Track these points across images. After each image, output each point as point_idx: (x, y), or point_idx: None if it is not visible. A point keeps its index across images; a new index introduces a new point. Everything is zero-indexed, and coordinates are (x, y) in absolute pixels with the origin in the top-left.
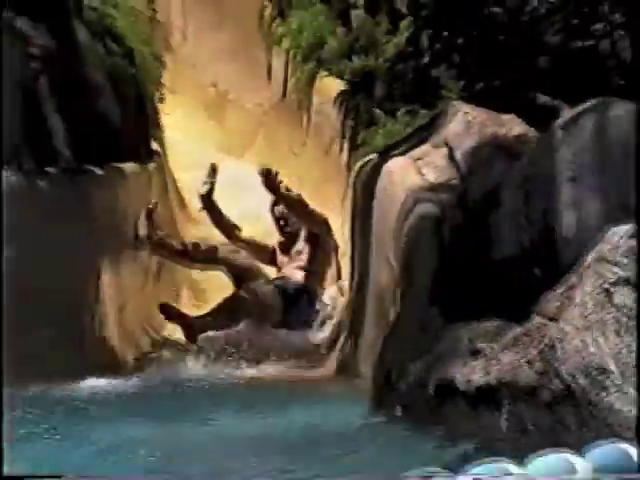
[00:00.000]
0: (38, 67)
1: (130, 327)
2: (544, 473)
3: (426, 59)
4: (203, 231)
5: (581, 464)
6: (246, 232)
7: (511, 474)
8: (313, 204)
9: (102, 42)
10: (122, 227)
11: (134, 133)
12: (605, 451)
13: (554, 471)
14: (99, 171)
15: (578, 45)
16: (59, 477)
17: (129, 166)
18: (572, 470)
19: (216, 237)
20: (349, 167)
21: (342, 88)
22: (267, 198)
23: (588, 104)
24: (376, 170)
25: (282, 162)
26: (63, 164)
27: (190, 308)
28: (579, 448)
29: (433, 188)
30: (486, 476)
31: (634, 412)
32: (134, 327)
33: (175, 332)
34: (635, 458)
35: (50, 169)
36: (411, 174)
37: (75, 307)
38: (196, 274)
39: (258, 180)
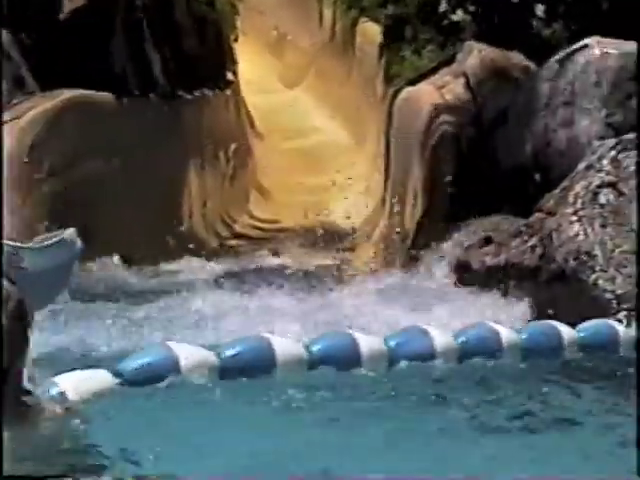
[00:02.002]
0: (140, 14)
1: (211, 219)
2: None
3: (445, 6)
4: (266, 144)
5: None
6: (301, 143)
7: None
8: (355, 124)
9: None
10: (206, 139)
11: (214, 65)
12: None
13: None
14: (188, 96)
15: None
16: (60, 477)
17: (210, 92)
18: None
19: (276, 149)
20: (384, 94)
21: (379, 31)
22: (315, 116)
23: (579, 43)
24: (407, 96)
25: (330, 91)
26: (160, 90)
27: (256, 205)
28: (571, 318)
29: (452, 109)
30: None
31: (613, 288)
32: (215, 219)
33: (245, 227)
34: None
35: (151, 94)
36: (435, 98)
37: (170, 202)
38: (261, 177)
39: (309, 103)
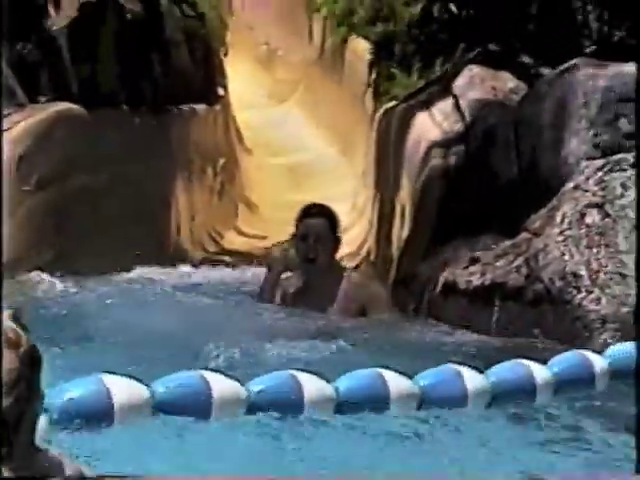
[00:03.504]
0: (130, 28)
1: (198, 233)
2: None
3: (435, 26)
4: (254, 160)
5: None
6: (290, 159)
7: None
8: (344, 141)
9: (179, 7)
10: (193, 154)
11: (204, 80)
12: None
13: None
14: (176, 110)
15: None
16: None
17: (199, 107)
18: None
19: (264, 165)
20: (374, 111)
21: (368, 48)
22: (304, 132)
23: (567, 64)
24: (395, 114)
25: (319, 107)
26: (149, 104)
27: (244, 220)
28: (556, 338)
29: (440, 128)
30: None
31: (598, 308)
32: (202, 234)
33: (234, 243)
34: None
35: (140, 108)
36: (424, 118)
37: (158, 216)
38: (249, 192)
39: (298, 118)
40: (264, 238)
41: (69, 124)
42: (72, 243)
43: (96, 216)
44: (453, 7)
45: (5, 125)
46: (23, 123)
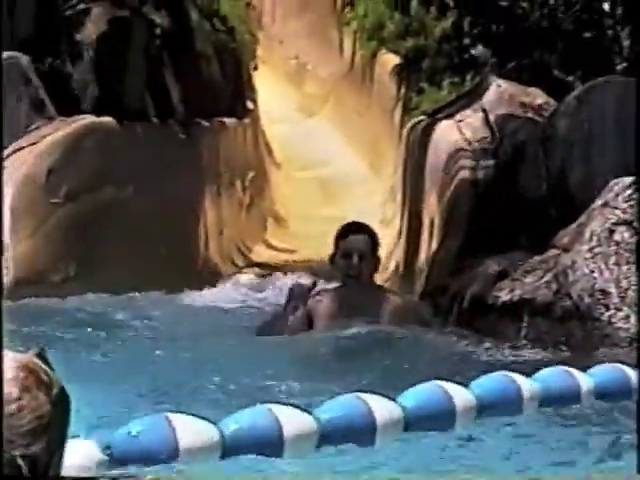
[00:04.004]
0: (160, 42)
1: (227, 248)
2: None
3: (467, 41)
4: (283, 173)
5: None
6: (318, 173)
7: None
8: (373, 155)
9: (210, 22)
10: (222, 168)
11: (233, 94)
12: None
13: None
14: (206, 123)
15: (588, 34)
16: (61, 477)
17: (229, 120)
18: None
19: (293, 179)
20: (402, 125)
21: (398, 62)
22: (333, 146)
23: (597, 80)
24: (425, 128)
25: (348, 121)
26: (178, 117)
27: (273, 234)
28: (585, 355)
29: (470, 144)
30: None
31: (628, 326)
32: (231, 248)
33: (261, 256)
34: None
35: (169, 121)
36: (453, 133)
37: (186, 230)
38: (278, 206)
39: (327, 132)
40: (293, 252)
41: (98, 137)
42: (99, 256)
43: (123, 229)
44: (482, 21)
45: (33, 138)
46: (52, 136)
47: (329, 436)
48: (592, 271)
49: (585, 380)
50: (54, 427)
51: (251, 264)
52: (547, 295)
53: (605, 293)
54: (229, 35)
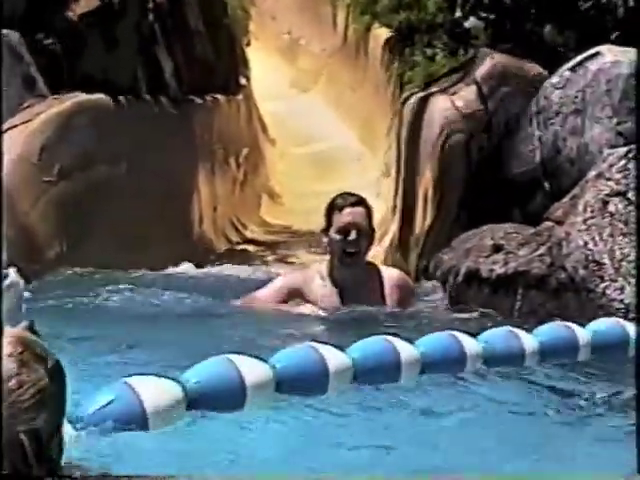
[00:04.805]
0: (152, 18)
1: (222, 224)
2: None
3: (460, 13)
4: (278, 150)
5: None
6: (313, 148)
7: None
8: (367, 129)
9: None
10: (216, 144)
11: (226, 70)
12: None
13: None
14: (198, 100)
15: (583, 3)
16: (62, 477)
17: (222, 97)
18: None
19: (287, 155)
20: (396, 100)
21: (391, 36)
22: (327, 122)
23: (591, 51)
24: (419, 102)
25: (342, 96)
26: (171, 94)
27: (267, 210)
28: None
29: (463, 116)
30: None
31: (622, 297)
32: (225, 224)
33: (255, 232)
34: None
35: (162, 98)
36: (446, 105)
37: (180, 207)
38: (272, 182)
39: (321, 108)
40: (288, 228)
41: (90, 114)
42: (91, 233)
43: (116, 208)
44: None
45: (27, 116)
46: (44, 114)
47: (283, 383)
48: (586, 243)
49: (530, 340)
50: (54, 399)
51: (245, 240)
52: (541, 268)
53: (599, 265)
54: (222, 10)
